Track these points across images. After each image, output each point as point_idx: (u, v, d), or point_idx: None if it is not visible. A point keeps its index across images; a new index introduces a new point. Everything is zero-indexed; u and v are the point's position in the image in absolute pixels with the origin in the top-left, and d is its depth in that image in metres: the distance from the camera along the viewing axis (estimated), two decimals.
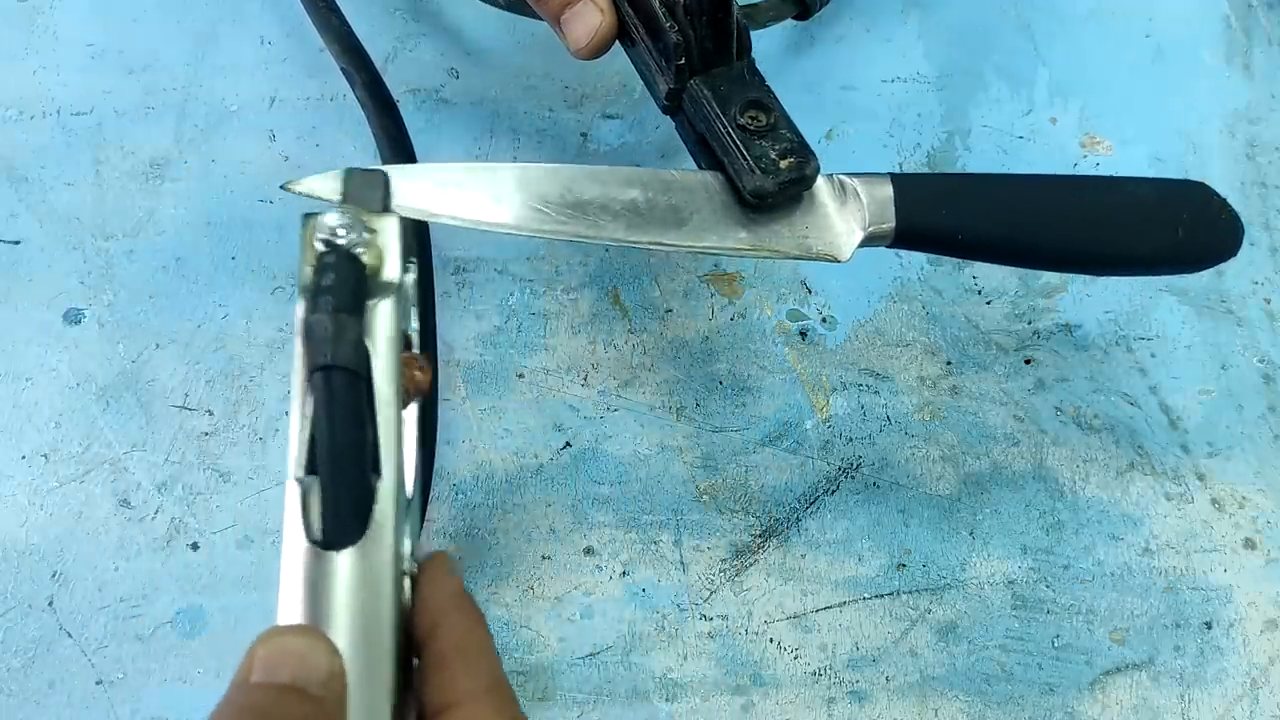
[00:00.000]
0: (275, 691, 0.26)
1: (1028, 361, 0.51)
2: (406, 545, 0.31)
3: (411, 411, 0.34)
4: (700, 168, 0.43)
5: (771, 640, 0.45)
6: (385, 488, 0.30)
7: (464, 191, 0.40)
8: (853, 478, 0.48)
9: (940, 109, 0.57)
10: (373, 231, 0.33)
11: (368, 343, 0.31)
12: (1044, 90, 0.58)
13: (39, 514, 0.45)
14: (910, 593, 0.46)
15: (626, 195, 0.41)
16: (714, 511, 0.47)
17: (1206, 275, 0.54)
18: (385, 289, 0.32)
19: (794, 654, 0.45)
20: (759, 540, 0.47)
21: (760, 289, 0.52)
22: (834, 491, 0.48)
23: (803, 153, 0.40)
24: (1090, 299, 0.52)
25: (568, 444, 0.48)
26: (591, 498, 0.47)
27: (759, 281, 0.52)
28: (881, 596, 0.46)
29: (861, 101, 0.57)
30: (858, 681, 0.45)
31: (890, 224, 0.42)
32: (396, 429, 0.31)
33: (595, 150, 0.55)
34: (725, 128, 0.41)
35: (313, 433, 0.30)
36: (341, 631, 0.28)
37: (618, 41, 0.44)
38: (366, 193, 0.35)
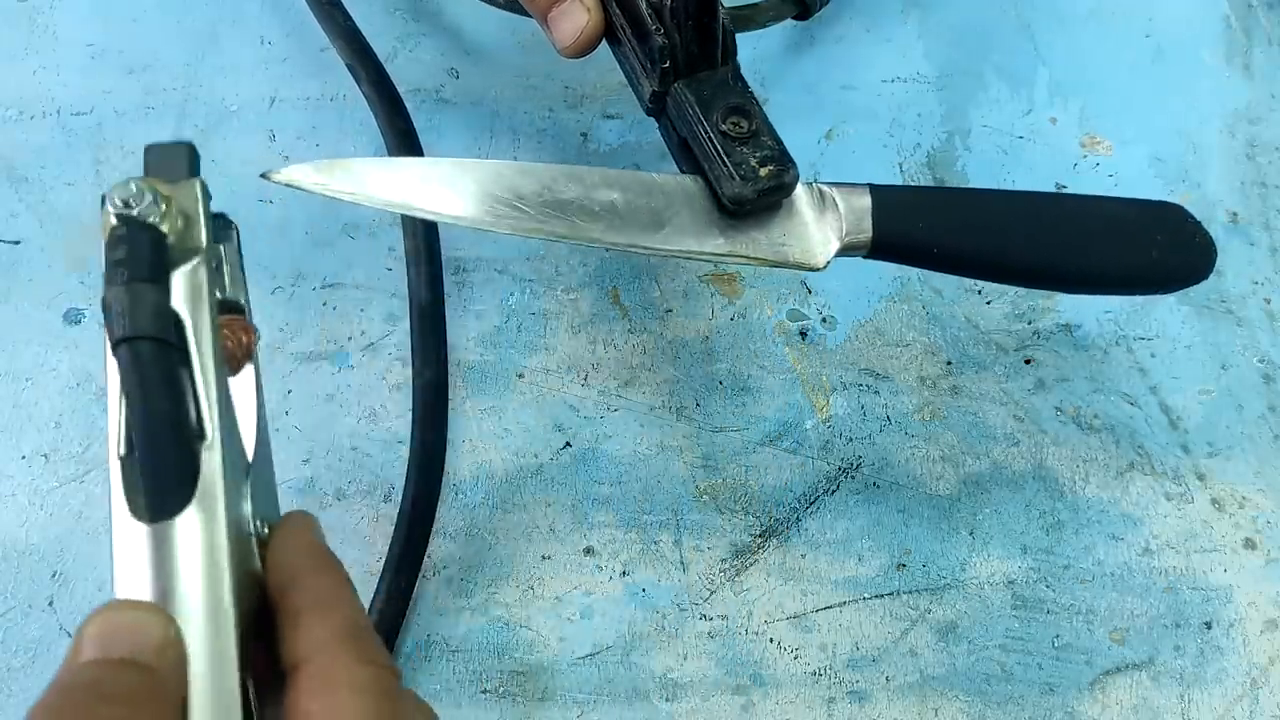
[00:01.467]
0: (106, 666, 0.25)
1: (1028, 361, 0.51)
2: (247, 508, 0.30)
3: (249, 374, 0.33)
4: (682, 171, 0.43)
5: (771, 640, 0.45)
6: (212, 452, 0.28)
7: (441, 186, 0.40)
8: (853, 478, 0.48)
9: (940, 109, 0.57)
10: (168, 198, 0.31)
11: (180, 310, 0.29)
12: (1044, 90, 0.58)
13: (39, 514, 0.45)
14: (910, 593, 0.46)
15: (606, 196, 0.41)
16: (714, 511, 0.47)
17: None
18: (192, 255, 0.31)
19: (794, 654, 0.45)
20: (759, 540, 0.47)
21: (760, 289, 0.52)
22: (834, 491, 0.48)
23: (783, 161, 0.40)
24: (1090, 299, 0.52)
25: (568, 444, 0.48)
26: (591, 498, 0.47)
27: (759, 281, 0.52)
28: (881, 596, 0.46)
29: (861, 101, 0.57)
30: (858, 681, 0.44)
31: (867, 234, 0.42)
32: (222, 392, 0.29)
33: (595, 150, 0.55)
34: (707, 133, 0.41)
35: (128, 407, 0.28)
36: (180, 601, 0.27)
37: (605, 41, 0.45)
38: (170, 164, 0.33)
